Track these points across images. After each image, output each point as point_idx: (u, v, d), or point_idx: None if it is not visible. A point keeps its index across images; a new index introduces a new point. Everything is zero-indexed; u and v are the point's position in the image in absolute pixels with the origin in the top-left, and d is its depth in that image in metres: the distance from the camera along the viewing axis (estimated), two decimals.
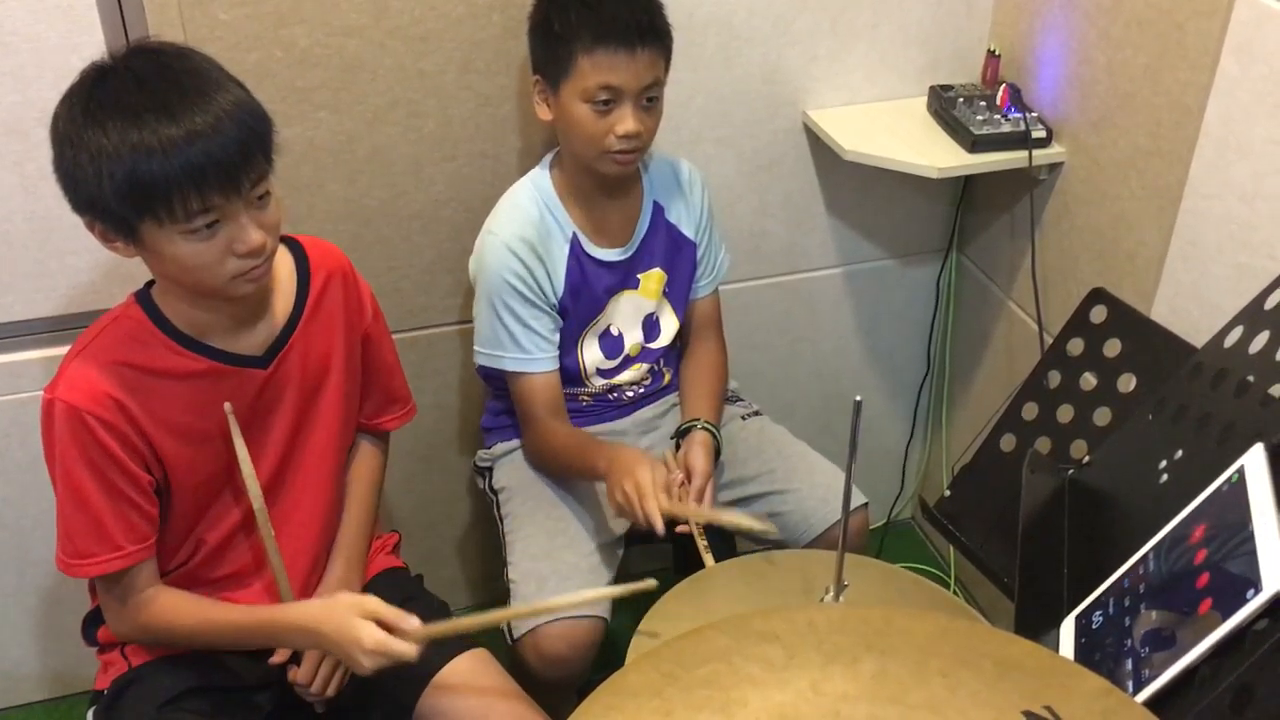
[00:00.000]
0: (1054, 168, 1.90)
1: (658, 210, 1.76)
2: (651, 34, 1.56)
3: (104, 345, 1.31)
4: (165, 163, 1.16)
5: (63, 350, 1.34)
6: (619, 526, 1.71)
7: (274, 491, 1.44)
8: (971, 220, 2.18)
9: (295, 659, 1.41)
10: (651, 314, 1.78)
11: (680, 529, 1.62)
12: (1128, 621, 1.09)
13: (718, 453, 1.71)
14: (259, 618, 1.36)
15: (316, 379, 1.44)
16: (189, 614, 1.37)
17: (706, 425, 1.71)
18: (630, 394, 1.81)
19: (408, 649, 1.27)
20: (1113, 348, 1.54)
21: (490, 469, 1.82)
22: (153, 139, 1.16)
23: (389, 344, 1.58)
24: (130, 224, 1.20)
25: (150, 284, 1.36)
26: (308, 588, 1.50)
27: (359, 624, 1.27)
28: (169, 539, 1.40)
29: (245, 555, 1.46)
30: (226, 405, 1.34)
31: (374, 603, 1.29)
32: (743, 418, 1.86)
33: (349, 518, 1.54)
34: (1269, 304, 1.23)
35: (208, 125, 1.17)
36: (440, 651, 1.47)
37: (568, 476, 1.71)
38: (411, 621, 1.28)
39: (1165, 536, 1.13)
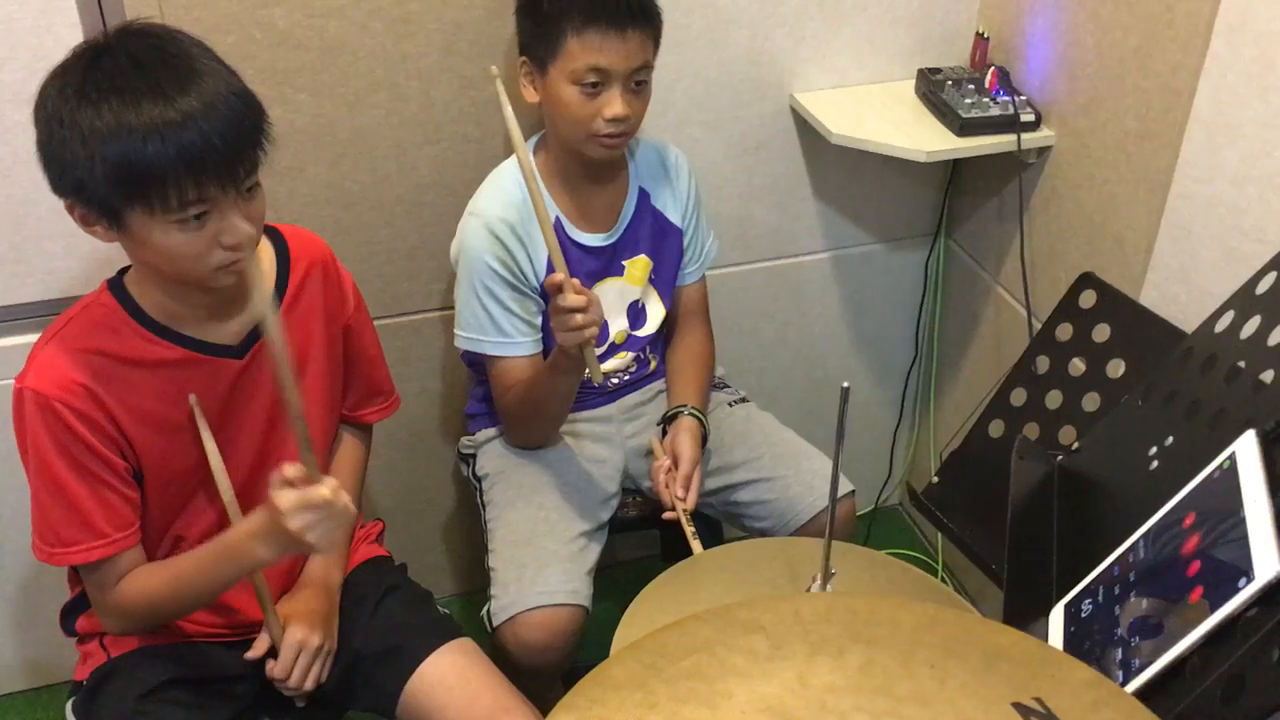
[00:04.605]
0: (1043, 151, 1.88)
1: (643, 196, 1.74)
2: (642, 16, 1.54)
3: (74, 333, 1.29)
4: (161, 149, 1.13)
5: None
6: (604, 512, 1.70)
7: (254, 484, 1.41)
8: (960, 204, 2.16)
9: (273, 653, 1.39)
10: (637, 301, 1.76)
11: (667, 516, 1.61)
12: (1117, 610, 1.08)
13: (704, 439, 1.70)
14: (214, 544, 1.32)
15: (294, 370, 1.42)
16: (158, 571, 1.34)
17: (693, 411, 1.69)
18: (616, 381, 1.80)
19: (321, 491, 1.20)
20: (1102, 333, 1.53)
21: (474, 455, 1.80)
22: (150, 122, 1.13)
23: (371, 335, 1.56)
24: (117, 210, 1.17)
25: (124, 271, 1.34)
26: (289, 579, 1.48)
27: (274, 498, 1.21)
28: (148, 535, 1.37)
29: None
30: (191, 397, 1.32)
31: (278, 474, 1.22)
32: (729, 404, 1.84)
33: None
34: (1260, 288, 1.23)
35: (205, 112, 1.15)
36: (425, 642, 1.46)
37: (554, 408, 1.67)
38: (298, 466, 1.21)
39: (1155, 523, 1.12)
